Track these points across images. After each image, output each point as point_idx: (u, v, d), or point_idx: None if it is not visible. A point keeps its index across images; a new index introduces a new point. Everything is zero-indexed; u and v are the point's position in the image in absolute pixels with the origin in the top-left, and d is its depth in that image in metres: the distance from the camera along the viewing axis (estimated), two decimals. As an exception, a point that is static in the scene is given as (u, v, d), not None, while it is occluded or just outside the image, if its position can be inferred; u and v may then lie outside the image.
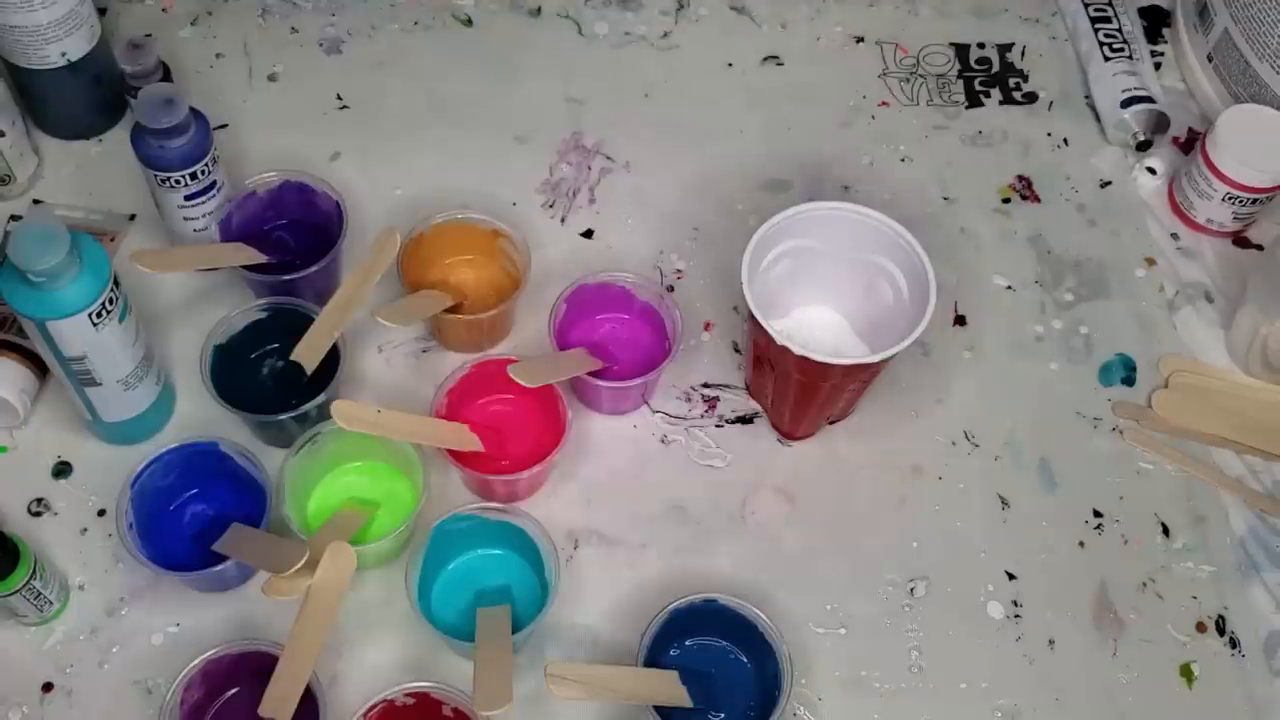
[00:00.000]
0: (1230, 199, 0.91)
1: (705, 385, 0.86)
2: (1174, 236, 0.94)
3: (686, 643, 0.75)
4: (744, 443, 0.84)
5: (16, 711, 0.73)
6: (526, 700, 0.73)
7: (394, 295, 0.83)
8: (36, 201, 0.92)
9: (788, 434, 0.84)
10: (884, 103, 1.00)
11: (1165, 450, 0.85)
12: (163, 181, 0.81)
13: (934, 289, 0.76)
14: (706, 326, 0.89)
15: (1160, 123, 0.97)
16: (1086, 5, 1.03)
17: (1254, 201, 0.91)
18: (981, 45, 1.04)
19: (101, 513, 0.79)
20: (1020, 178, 0.97)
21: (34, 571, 0.72)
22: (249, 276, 0.83)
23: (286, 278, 0.82)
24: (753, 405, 0.85)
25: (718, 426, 0.85)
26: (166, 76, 0.88)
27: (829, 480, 0.83)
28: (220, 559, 0.73)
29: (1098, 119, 0.99)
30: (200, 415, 0.82)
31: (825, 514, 0.82)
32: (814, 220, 0.79)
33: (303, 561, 0.69)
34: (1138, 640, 0.78)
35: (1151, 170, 0.97)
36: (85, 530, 0.79)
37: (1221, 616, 0.79)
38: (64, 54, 0.88)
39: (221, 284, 0.88)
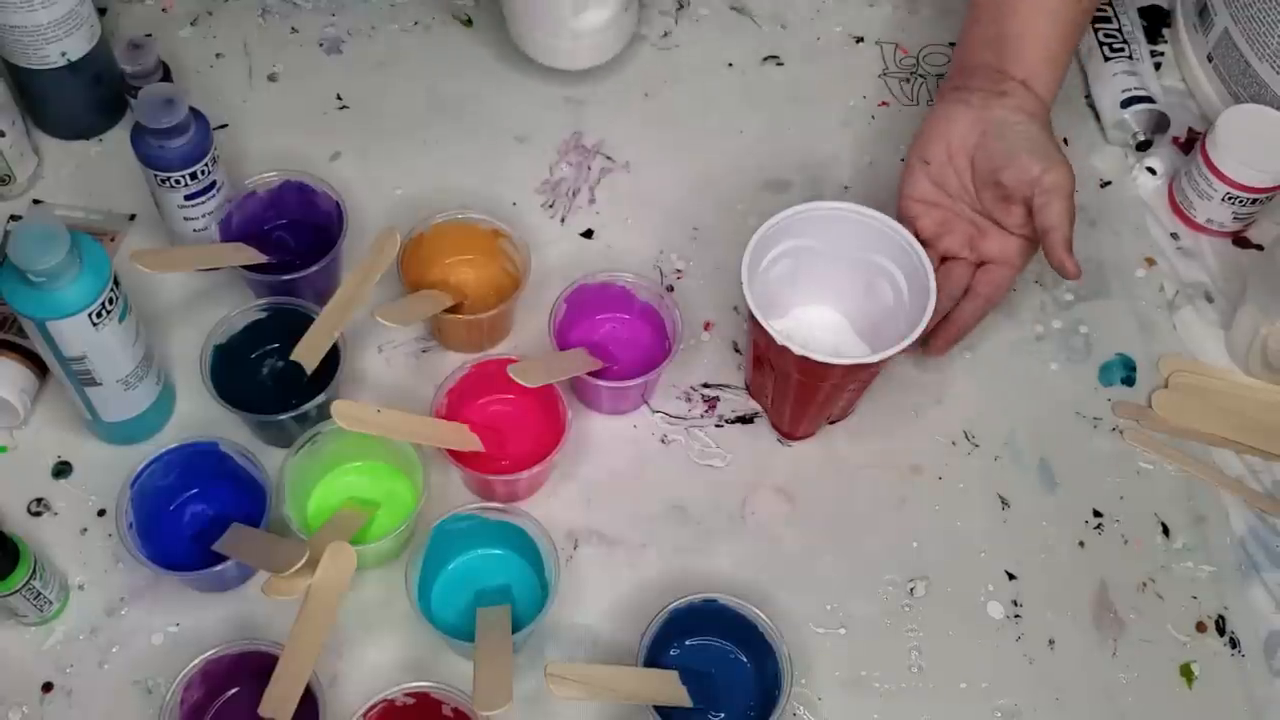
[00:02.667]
0: (1230, 199, 0.91)
1: (705, 385, 0.86)
2: (1174, 236, 0.94)
3: (686, 643, 0.75)
4: (744, 443, 0.84)
5: (16, 711, 0.73)
6: (526, 700, 0.73)
7: (394, 295, 0.83)
8: (36, 201, 0.92)
9: (788, 434, 0.84)
10: (884, 103, 1.00)
11: (1165, 450, 0.85)
12: (163, 181, 0.81)
13: (934, 289, 0.76)
14: (706, 326, 0.89)
15: (1160, 123, 0.97)
16: (1086, 5, 1.03)
17: (1254, 201, 0.91)
18: (981, 45, 1.04)
19: (101, 513, 0.79)
20: (1020, 178, 0.97)
21: (34, 571, 0.72)
22: (249, 276, 0.83)
23: (286, 278, 0.82)
24: (753, 405, 0.85)
25: (718, 426, 0.85)
26: (166, 76, 0.88)
27: (829, 480, 0.83)
28: (220, 559, 0.73)
29: (1098, 119, 0.99)
30: (200, 415, 0.82)
31: (825, 514, 0.82)
32: (814, 220, 0.79)
33: (303, 561, 0.69)
34: (1138, 640, 0.78)
35: (1151, 170, 0.97)
36: (85, 530, 0.79)
37: (1221, 616, 0.79)
38: (64, 54, 0.88)
39: (221, 284, 0.88)
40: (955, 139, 0.82)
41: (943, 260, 0.83)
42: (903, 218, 0.83)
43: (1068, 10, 0.84)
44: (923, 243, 0.80)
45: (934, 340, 0.83)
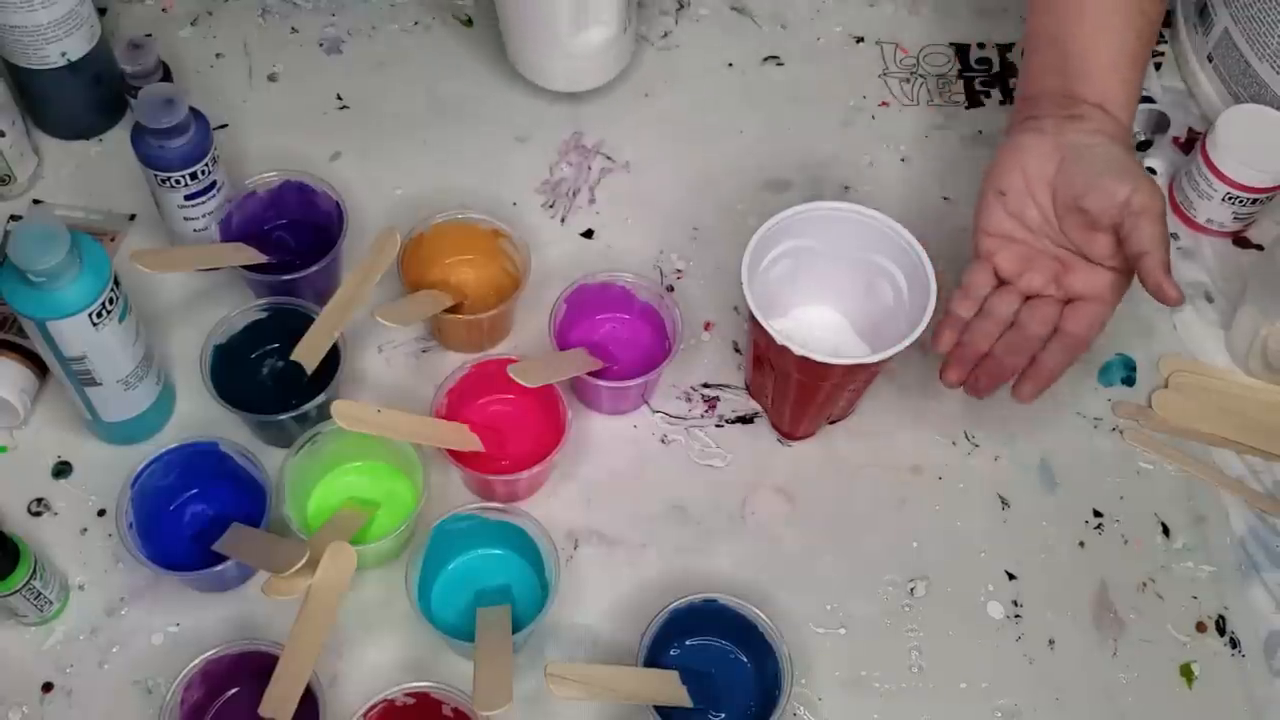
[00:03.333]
0: (1230, 199, 0.91)
1: (705, 385, 0.86)
2: (1174, 236, 0.94)
3: (686, 643, 0.75)
4: (744, 443, 0.84)
5: (16, 711, 0.73)
6: (526, 700, 0.73)
7: (394, 295, 0.83)
8: (36, 201, 0.92)
9: (788, 434, 0.84)
10: (884, 103, 1.00)
11: (1165, 450, 0.85)
12: (163, 181, 0.81)
13: (934, 289, 0.76)
14: (706, 326, 0.89)
15: (1160, 123, 0.97)
16: (1086, 5, 1.03)
17: (1254, 201, 0.91)
18: (981, 45, 1.04)
19: (101, 513, 0.79)
20: (1020, 178, 0.97)
21: (34, 571, 0.72)
22: (249, 276, 0.83)
23: (286, 278, 0.82)
24: (753, 405, 0.85)
25: (718, 426, 0.85)
26: (166, 76, 0.88)
27: (829, 480, 0.83)
28: (220, 559, 0.73)
29: (1098, 119, 0.99)
30: (200, 415, 0.82)
31: (825, 514, 0.82)
32: (814, 220, 0.79)
33: (303, 561, 0.69)
34: (1138, 640, 0.78)
35: (1151, 170, 0.97)
36: (85, 530, 0.79)
37: (1221, 616, 0.79)
38: (64, 54, 0.88)
39: (221, 284, 0.88)
40: (1032, 167, 0.77)
41: (1026, 299, 0.78)
42: (979, 254, 0.79)
43: (1132, 24, 0.79)
44: (1002, 281, 0.78)
45: (1020, 386, 0.76)
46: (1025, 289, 0.78)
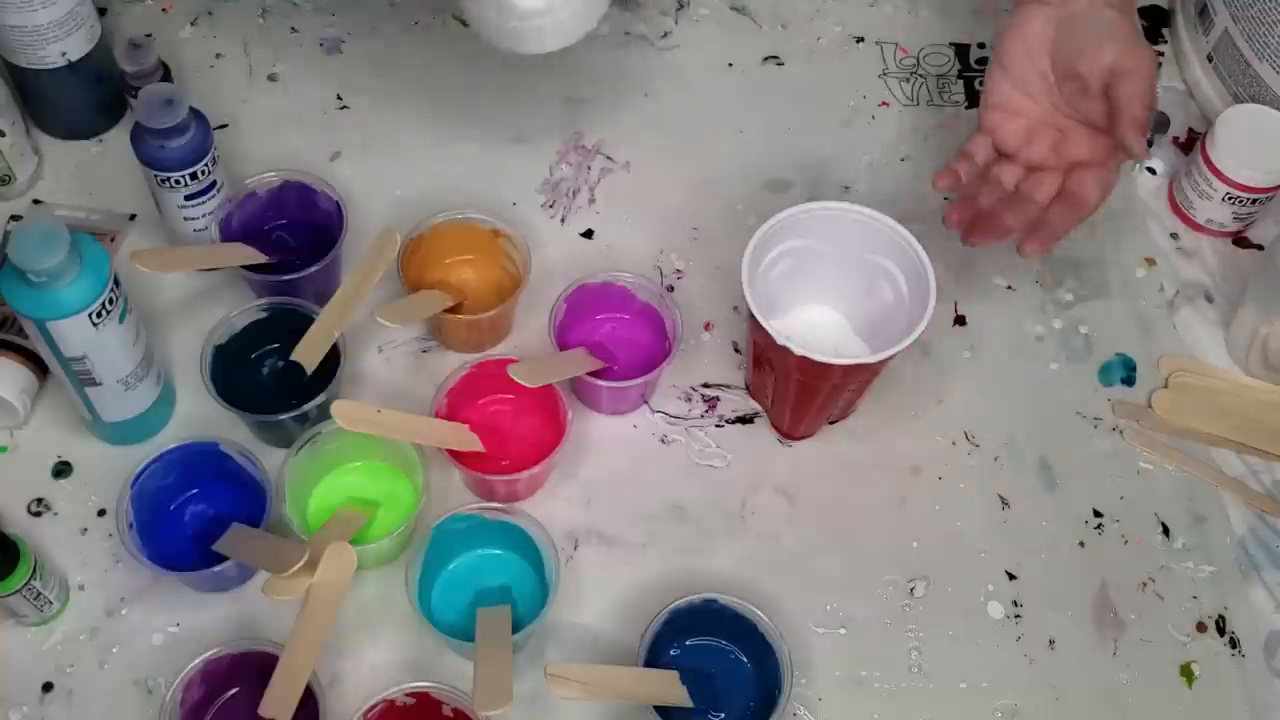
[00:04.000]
0: (1230, 199, 0.91)
1: (705, 385, 0.86)
2: (1174, 236, 0.94)
3: (686, 643, 0.75)
4: (744, 443, 0.84)
5: (16, 711, 0.73)
6: (526, 700, 0.73)
7: (394, 295, 0.83)
8: (36, 201, 0.92)
9: (788, 434, 0.84)
10: (884, 103, 1.00)
11: (1165, 450, 0.85)
12: (163, 181, 0.81)
13: (934, 289, 0.76)
14: (706, 326, 0.89)
15: (1160, 123, 0.97)
16: (1086, 5, 1.03)
17: (1254, 201, 0.91)
18: (981, 45, 1.04)
19: (101, 513, 0.79)
20: (1020, 178, 0.97)
21: (34, 571, 0.72)
22: (249, 276, 0.83)
23: (286, 278, 0.82)
24: (753, 405, 0.85)
25: (718, 426, 0.85)
26: (166, 76, 0.88)
27: (829, 480, 0.83)
28: (220, 559, 0.73)
29: (1098, 119, 0.99)
30: (200, 415, 0.82)
31: (825, 514, 0.82)
32: (814, 220, 0.79)
33: (303, 561, 0.69)
34: (1138, 640, 0.78)
35: (1151, 170, 0.97)
36: (85, 530, 0.79)
37: (1221, 616, 0.79)
38: (64, 54, 0.88)
39: (221, 284, 0.88)
40: (1033, 37, 0.79)
41: (1030, 171, 0.81)
42: (981, 128, 0.82)
43: None
44: (1006, 155, 0.80)
45: (1026, 241, 0.77)
46: (1027, 160, 0.80)
